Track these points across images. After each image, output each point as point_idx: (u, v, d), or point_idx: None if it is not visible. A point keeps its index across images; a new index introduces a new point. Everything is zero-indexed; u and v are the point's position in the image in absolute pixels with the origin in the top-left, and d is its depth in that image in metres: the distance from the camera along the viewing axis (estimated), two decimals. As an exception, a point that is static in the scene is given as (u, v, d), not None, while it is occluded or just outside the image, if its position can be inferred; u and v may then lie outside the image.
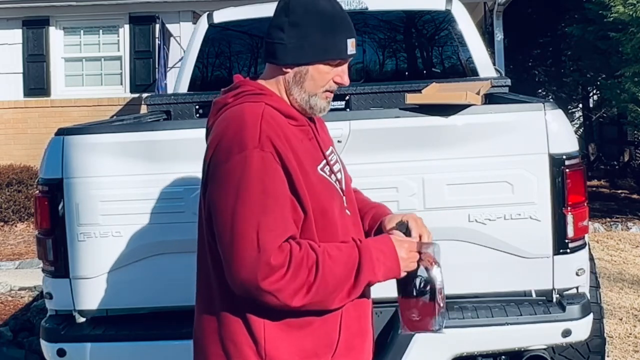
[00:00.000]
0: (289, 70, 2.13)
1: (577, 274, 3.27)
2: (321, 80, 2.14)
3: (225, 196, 1.98)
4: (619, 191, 12.35)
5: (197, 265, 2.17)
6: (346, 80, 2.18)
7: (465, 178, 3.19)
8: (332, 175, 2.16)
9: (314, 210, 2.04)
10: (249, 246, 1.93)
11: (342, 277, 2.01)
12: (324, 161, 2.16)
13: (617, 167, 14.14)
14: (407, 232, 2.21)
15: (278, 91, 2.15)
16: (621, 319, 5.73)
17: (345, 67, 2.18)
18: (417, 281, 2.14)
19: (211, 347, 2.09)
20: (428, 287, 2.14)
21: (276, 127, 2.02)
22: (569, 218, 3.19)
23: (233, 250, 1.95)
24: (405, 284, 2.17)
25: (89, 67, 12.14)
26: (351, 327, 2.13)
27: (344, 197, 2.20)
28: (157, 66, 11.11)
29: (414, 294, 2.15)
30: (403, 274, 2.13)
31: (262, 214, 1.94)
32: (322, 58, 2.12)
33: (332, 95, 2.20)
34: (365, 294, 2.18)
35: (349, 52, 2.15)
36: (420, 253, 2.15)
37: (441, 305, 2.15)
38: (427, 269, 2.14)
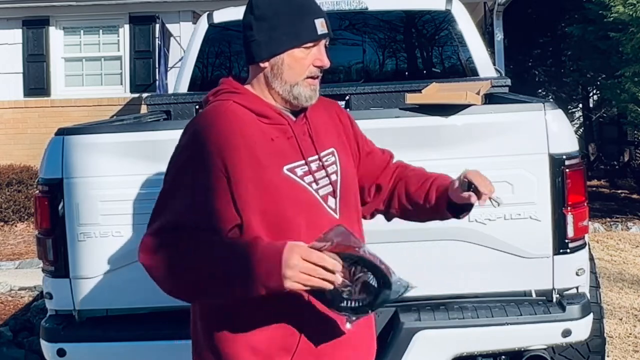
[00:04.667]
0: (266, 64, 2.13)
1: (577, 274, 3.27)
2: (299, 67, 2.12)
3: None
4: (619, 191, 12.35)
5: None
6: (326, 62, 2.15)
7: (465, 178, 3.18)
8: (308, 177, 2.09)
9: (265, 208, 2.00)
10: (149, 224, 2.06)
11: (207, 269, 1.94)
12: (299, 162, 2.09)
13: (617, 167, 14.14)
14: (475, 190, 2.16)
15: (260, 90, 2.15)
16: (621, 319, 5.73)
17: (321, 48, 2.15)
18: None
19: (203, 343, 2.13)
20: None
21: (234, 124, 2.03)
22: (569, 218, 3.19)
23: None
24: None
25: (89, 67, 12.13)
26: (320, 333, 2.06)
27: (335, 199, 2.13)
28: (157, 66, 11.10)
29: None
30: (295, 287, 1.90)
31: (168, 198, 2.04)
32: (293, 44, 2.10)
33: (316, 82, 2.15)
34: None
35: (319, 32, 2.12)
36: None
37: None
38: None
